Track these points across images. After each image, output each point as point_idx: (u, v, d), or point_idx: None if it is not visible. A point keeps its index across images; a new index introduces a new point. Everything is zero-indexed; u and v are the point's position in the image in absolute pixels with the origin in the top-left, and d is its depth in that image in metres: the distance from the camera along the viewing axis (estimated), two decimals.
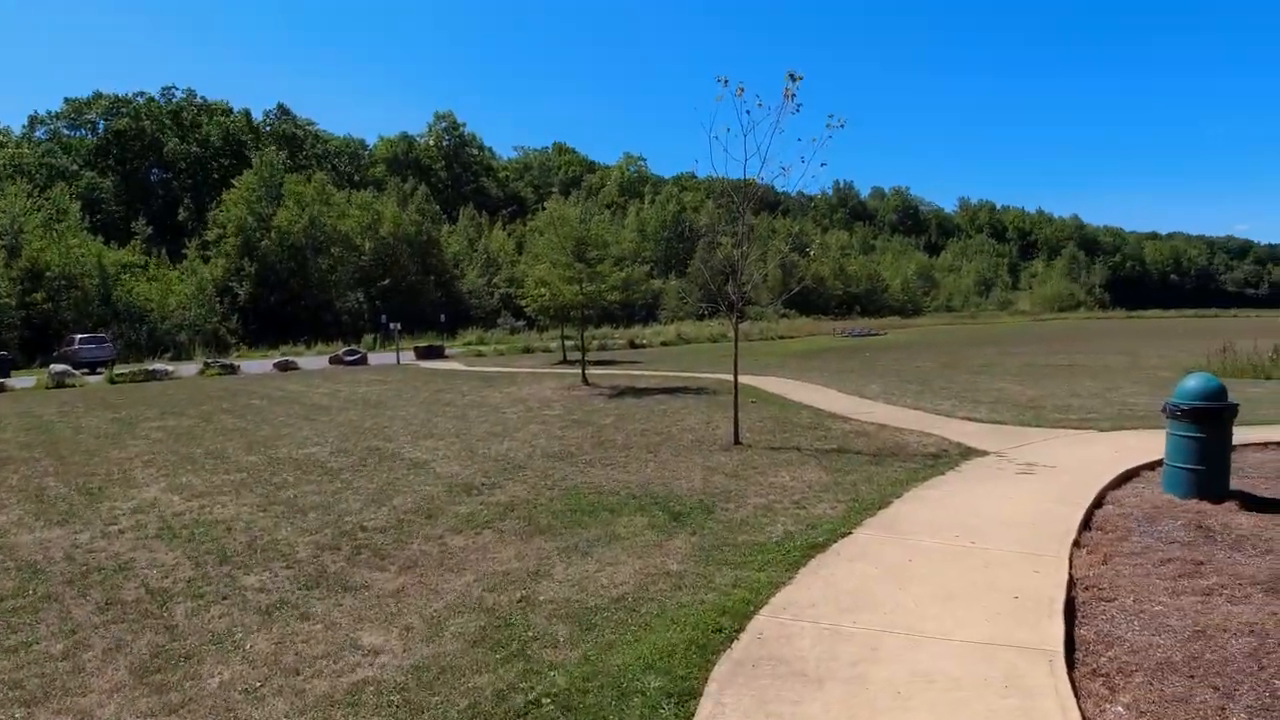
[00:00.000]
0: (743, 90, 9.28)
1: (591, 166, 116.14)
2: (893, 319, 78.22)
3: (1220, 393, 7.18)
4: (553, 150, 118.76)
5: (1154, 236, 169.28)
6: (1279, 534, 6.21)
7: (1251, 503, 7.09)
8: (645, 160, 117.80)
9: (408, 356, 34.24)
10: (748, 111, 9.32)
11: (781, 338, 53.22)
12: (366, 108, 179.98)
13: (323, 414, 14.90)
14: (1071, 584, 5.17)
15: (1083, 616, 4.75)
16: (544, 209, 17.41)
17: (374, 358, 34.07)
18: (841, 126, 9.38)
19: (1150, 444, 9.54)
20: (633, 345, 43.40)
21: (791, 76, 9.37)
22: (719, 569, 5.57)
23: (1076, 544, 5.94)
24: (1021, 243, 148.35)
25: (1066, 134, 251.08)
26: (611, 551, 6.07)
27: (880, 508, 6.89)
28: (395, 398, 17.58)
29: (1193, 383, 7.30)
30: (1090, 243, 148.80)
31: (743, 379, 18.83)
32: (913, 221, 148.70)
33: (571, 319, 20.04)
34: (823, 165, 9.67)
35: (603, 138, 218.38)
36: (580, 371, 18.77)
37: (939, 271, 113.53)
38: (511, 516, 7.15)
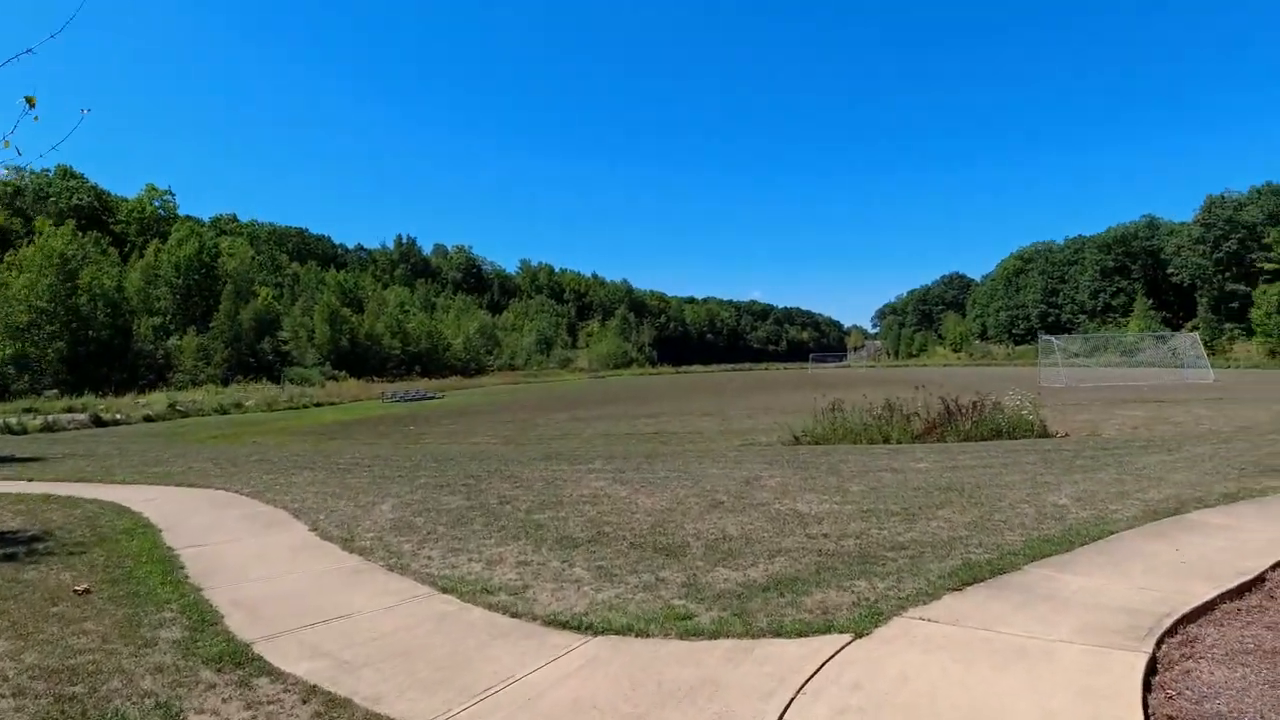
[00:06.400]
0: None
1: (102, 196, 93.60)
2: (455, 379, 72.50)
3: None
4: (55, 173, 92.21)
5: (692, 300, 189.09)
6: None
7: None
8: (174, 195, 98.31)
9: None
10: None
11: (319, 404, 43.56)
12: None
13: None
14: None
15: None
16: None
17: None
18: None
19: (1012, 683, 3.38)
20: (99, 423, 30.98)
21: None
22: None
23: None
24: (578, 304, 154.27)
25: (612, 206, 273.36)
26: None
27: None
28: None
29: None
30: (639, 305, 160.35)
31: (155, 493, 9.47)
32: (476, 280, 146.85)
33: None
34: None
35: (127, 164, 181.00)
36: None
37: (502, 330, 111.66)
38: None
